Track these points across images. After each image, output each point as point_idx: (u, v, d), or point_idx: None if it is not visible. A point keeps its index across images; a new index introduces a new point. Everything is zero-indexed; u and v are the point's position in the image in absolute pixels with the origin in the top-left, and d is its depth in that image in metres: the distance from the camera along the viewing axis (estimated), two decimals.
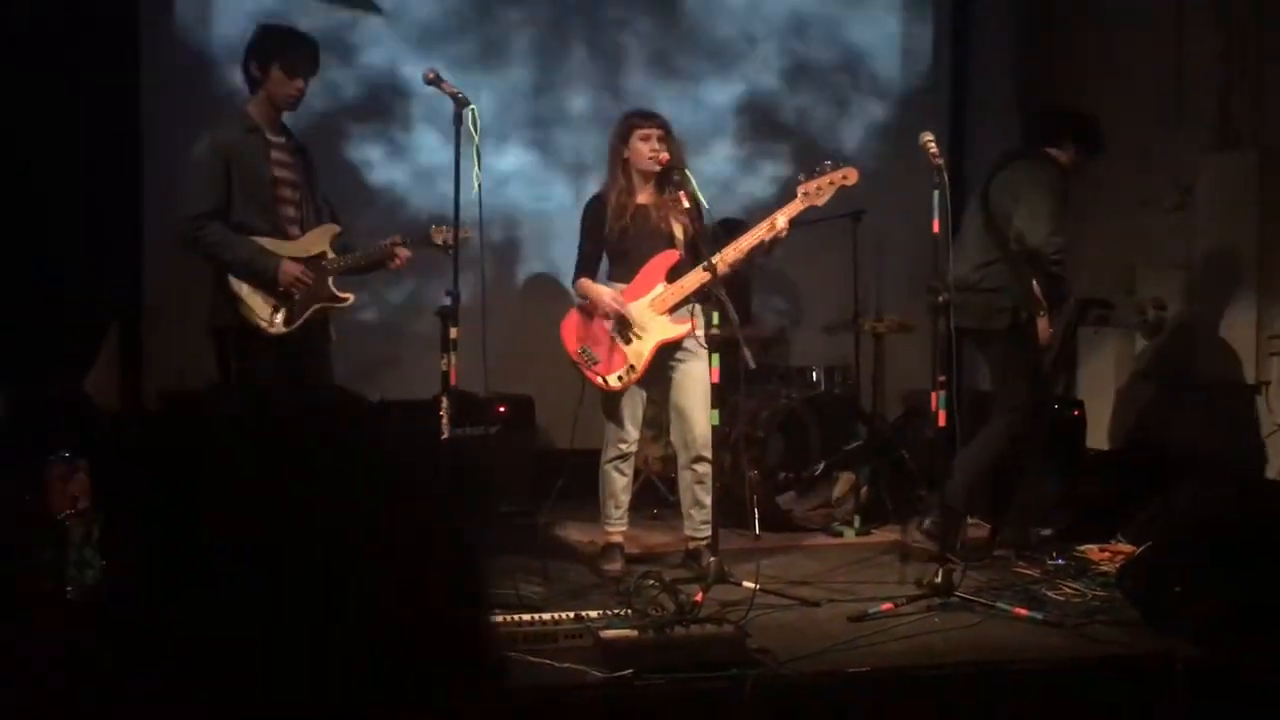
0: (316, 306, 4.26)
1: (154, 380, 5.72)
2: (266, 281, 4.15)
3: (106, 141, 5.69)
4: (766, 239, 4.41)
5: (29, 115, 5.26)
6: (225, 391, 3.88)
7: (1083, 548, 4.89)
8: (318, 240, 4.34)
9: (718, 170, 6.56)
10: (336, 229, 4.43)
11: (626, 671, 3.21)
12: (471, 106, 3.83)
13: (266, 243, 4.20)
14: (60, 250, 5.41)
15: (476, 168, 3.81)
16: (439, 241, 4.33)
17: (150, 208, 5.93)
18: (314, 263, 4.27)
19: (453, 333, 3.89)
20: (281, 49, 4.24)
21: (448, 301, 3.94)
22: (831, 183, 4.37)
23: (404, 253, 4.38)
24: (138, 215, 5.94)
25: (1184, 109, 5.94)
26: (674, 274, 4.53)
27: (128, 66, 5.86)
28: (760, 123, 6.77)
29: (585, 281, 4.60)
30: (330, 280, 4.28)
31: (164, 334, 5.89)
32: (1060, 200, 4.78)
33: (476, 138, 3.82)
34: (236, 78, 5.73)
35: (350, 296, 4.36)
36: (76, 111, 5.44)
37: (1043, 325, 4.85)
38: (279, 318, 4.17)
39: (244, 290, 4.13)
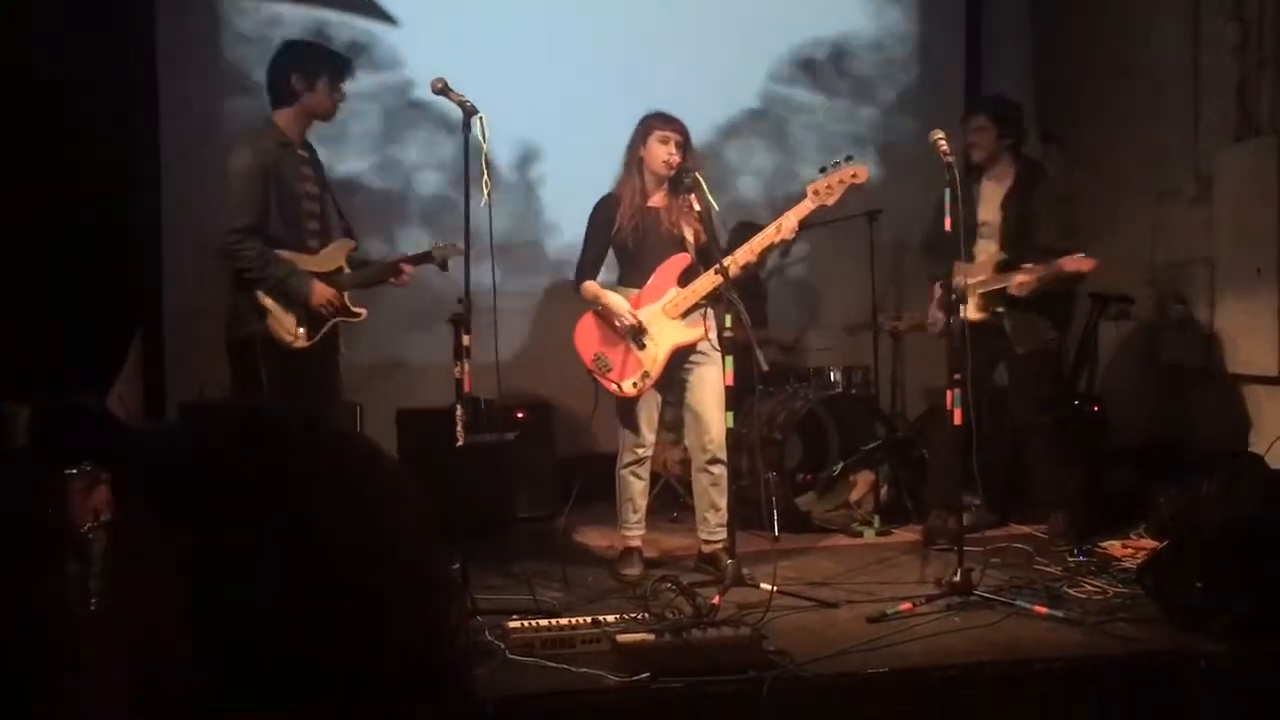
0: (334, 321, 4.32)
1: (175, 392, 5.77)
2: (297, 301, 4.22)
3: (125, 154, 5.74)
4: (777, 240, 4.41)
5: (48, 131, 5.31)
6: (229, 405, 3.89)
7: (1104, 543, 4.87)
8: (336, 255, 4.40)
9: (731, 167, 6.55)
10: (352, 244, 4.50)
11: (643, 675, 3.22)
12: (480, 115, 3.85)
13: (288, 256, 4.26)
14: (83, 264, 5.46)
15: (485, 175, 3.83)
16: (438, 259, 4.46)
17: (169, 222, 5.99)
18: (332, 278, 4.33)
19: (465, 340, 3.90)
20: (328, 62, 4.34)
21: (460, 309, 3.95)
22: (841, 181, 4.35)
23: (408, 269, 4.48)
24: (157, 229, 5.99)
25: (1201, 101, 5.89)
26: (685, 278, 4.53)
27: (145, 82, 5.92)
28: (775, 120, 6.76)
29: (593, 286, 4.61)
30: (345, 295, 4.34)
31: (185, 347, 5.94)
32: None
33: (485, 145, 3.84)
34: (250, 93, 5.83)
35: (364, 311, 4.41)
36: (95, 126, 5.49)
37: None
38: (302, 331, 4.24)
39: (270, 303, 4.19)
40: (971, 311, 4.89)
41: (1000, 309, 4.99)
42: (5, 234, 5.21)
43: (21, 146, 5.24)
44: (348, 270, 4.41)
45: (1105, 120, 6.53)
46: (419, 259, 4.50)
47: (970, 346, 4.44)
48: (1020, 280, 4.83)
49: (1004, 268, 4.96)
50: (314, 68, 4.30)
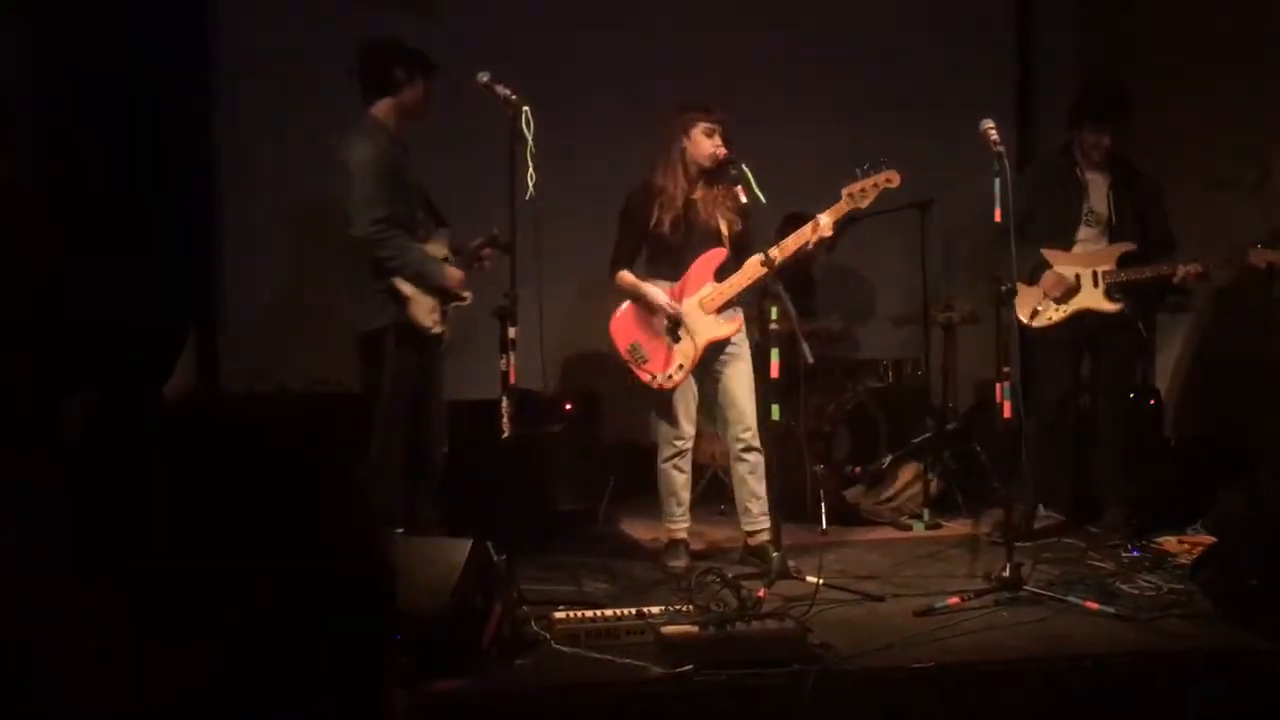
0: (449, 306, 4.43)
1: (229, 386, 5.86)
2: (433, 286, 4.32)
3: (182, 149, 5.82)
4: (813, 239, 4.42)
5: (106, 125, 5.40)
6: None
7: (1160, 539, 4.79)
8: (442, 244, 4.51)
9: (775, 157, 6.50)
10: (448, 230, 4.58)
11: (687, 667, 3.23)
12: (526, 109, 3.86)
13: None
14: (140, 259, 5.55)
15: (531, 169, 3.84)
16: (504, 242, 4.37)
17: (225, 218, 6.08)
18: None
19: (511, 332, 3.93)
20: (422, 59, 4.40)
21: (505, 302, 3.97)
22: (875, 185, 4.41)
23: (489, 252, 4.53)
24: (214, 223, 6.09)
25: (1262, 86, 5.76)
26: (721, 273, 4.54)
27: (199, 76, 6.01)
28: (824, 111, 6.71)
29: (630, 276, 4.61)
30: None
31: (238, 341, 6.04)
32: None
33: (530, 140, 3.85)
34: (304, 85, 5.89)
35: (469, 295, 4.48)
36: (152, 121, 5.57)
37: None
38: (436, 317, 4.36)
39: (410, 290, 4.28)
40: (1100, 301, 4.92)
41: (1122, 298, 4.96)
42: (65, 229, 5.32)
43: (79, 142, 5.34)
44: (451, 256, 4.51)
45: (1159, 105, 6.41)
46: (492, 242, 4.52)
47: (1097, 337, 4.72)
48: (1191, 271, 4.79)
49: (1130, 259, 4.92)
50: (412, 62, 4.38)
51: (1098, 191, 5.02)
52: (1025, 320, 5.05)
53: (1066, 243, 5.00)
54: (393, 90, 4.38)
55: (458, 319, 4.54)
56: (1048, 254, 4.98)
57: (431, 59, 4.47)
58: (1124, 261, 4.93)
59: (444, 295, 4.38)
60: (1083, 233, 5.02)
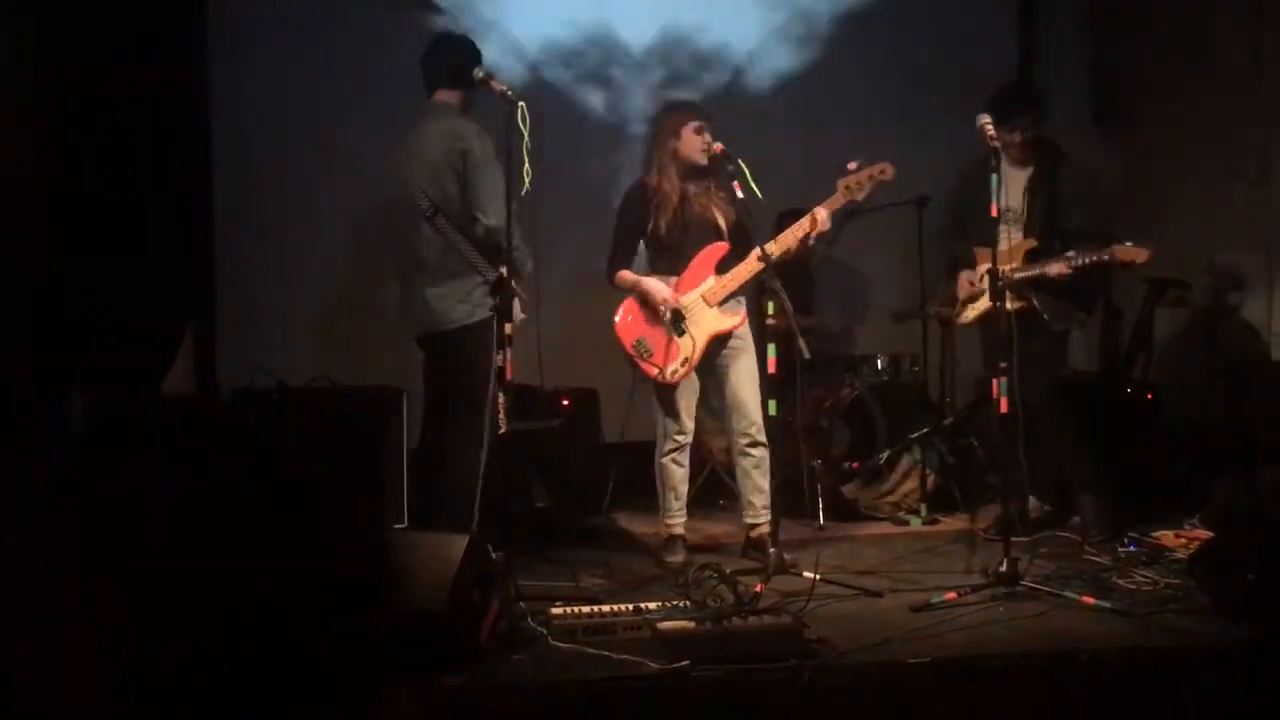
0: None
1: (226, 382, 5.86)
2: (522, 277, 4.26)
3: (177, 143, 5.82)
4: (813, 233, 4.44)
5: (103, 121, 5.40)
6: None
7: (1156, 533, 4.80)
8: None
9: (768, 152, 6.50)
10: None
11: (683, 663, 3.23)
12: (521, 104, 3.86)
13: None
14: (137, 255, 5.55)
15: (526, 165, 3.84)
16: None
17: (221, 213, 6.08)
18: None
19: (507, 328, 3.92)
20: (483, 67, 4.27)
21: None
22: (870, 177, 4.44)
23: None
24: (210, 221, 6.08)
25: (1262, 84, 5.76)
26: (723, 266, 4.55)
27: (198, 71, 6.00)
28: (819, 107, 6.71)
29: (628, 274, 4.62)
30: None
31: (236, 337, 6.04)
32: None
33: (526, 135, 3.85)
34: (305, 78, 5.89)
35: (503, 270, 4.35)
36: (150, 117, 5.57)
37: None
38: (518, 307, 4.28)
39: (516, 284, 4.14)
40: (1007, 300, 4.79)
41: (1029, 293, 4.90)
42: (62, 227, 5.32)
43: (77, 139, 5.34)
44: None
45: (1162, 103, 6.41)
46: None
47: (1018, 334, 4.48)
48: (1058, 270, 4.75)
49: (1035, 255, 4.88)
50: (481, 66, 4.25)
51: (1015, 186, 4.94)
52: (954, 319, 5.19)
53: (992, 239, 4.96)
54: (460, 85, 4.35)
55: None
56: (977, 251, 4.98)
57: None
58: (1028, 258, 4.87)
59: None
60: (1001, 230, 4.99)
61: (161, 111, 5.66)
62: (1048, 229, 4.94)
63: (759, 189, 4.37)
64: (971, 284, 5.05)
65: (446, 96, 4.42)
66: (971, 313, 5.07)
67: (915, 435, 5.63)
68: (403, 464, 4.94)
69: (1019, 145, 4.92)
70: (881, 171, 4.45)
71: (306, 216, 6.11)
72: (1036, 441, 4.74)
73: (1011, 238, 4.90)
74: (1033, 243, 4.91)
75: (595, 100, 6.47)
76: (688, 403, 4.61)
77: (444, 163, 4.30)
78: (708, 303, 4.54)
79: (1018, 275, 4.84)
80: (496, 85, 3.96)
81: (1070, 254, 4.74)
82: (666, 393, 4.59)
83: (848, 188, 4.44)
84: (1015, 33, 6.93)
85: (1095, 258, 4.68)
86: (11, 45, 5.03)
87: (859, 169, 4.44)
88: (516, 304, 4.21)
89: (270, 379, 4.86)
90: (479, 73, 4.02)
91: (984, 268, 4.86)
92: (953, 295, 5.19)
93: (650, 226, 4.58)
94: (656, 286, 4.56)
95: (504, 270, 4.07)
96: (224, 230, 6.09)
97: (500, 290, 3.95)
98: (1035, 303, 4.90)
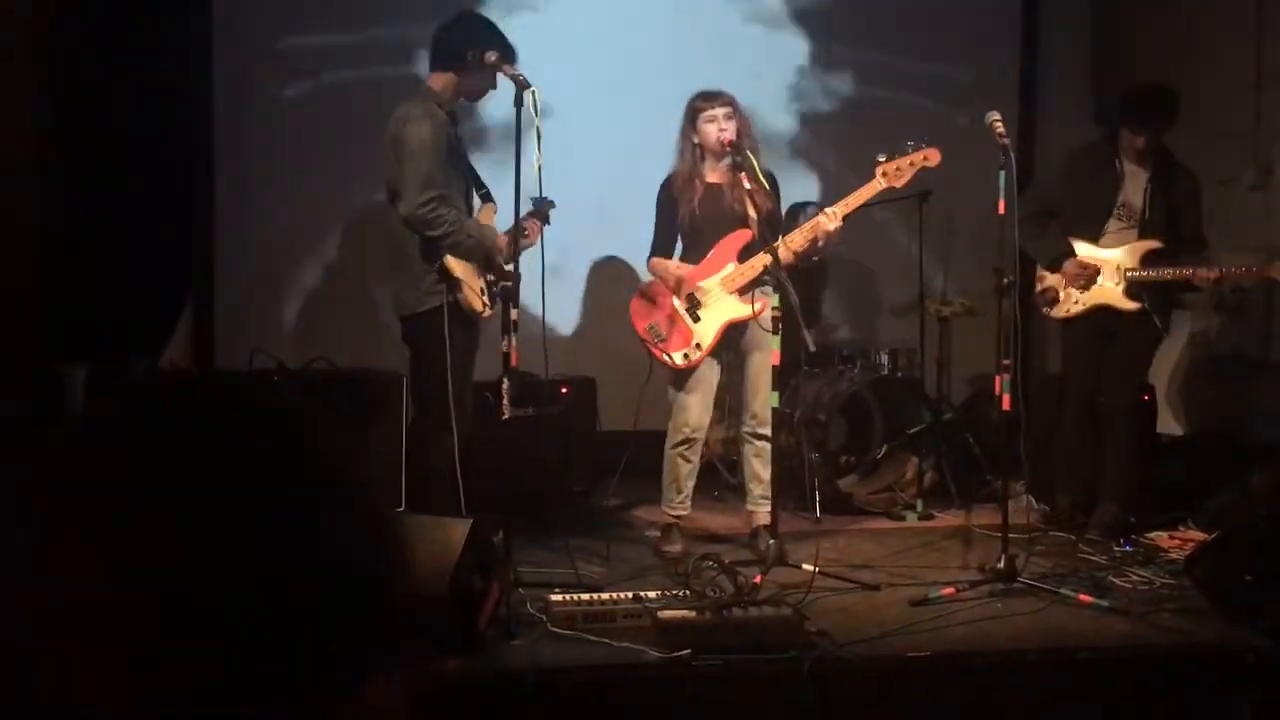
0: (496, 287, 4.23)
1: (224, 360, 5.84)
2: (487, 258, 4.14)
3: (178, 123, 5.79)
4: (832, 238, 4.41)
5: (106, 95, 5.37)
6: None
7: (1152, 534, 4.81)
8: (490, 218, 4.32)
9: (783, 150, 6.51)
10: (495, 207, 4.37)
11: (684, 652, 3.23)
12: (532, 89, 3.84)
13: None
14: (136, 231, 5.53)
15: (537, 150, 3.82)
16: (541, 214, 4.25)
17: (222, 194, 6.05)
18: None
19: (514, 314, 3.91)
20: (501, 43, 4.14)
21: (508, 283, 3.96)
22: (912, 164, 4.32)
23: (534, 226, 4.24)
24: (210, 199, 6.06)
25: (1263, 86, 5.77)
26: (746, 253, 4.52)
27: (199, 48, 5.97)
28: (824, 103, 6.71)
29: (659, 261, 4.63)
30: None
31: (234, 315, 6.02)
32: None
33: (538, 120, 3.83)
34: (302, 58, 5.87)
35: (518, 274, 4.13)
36: (151, 91, 5.54)
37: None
38: (485, 299, 4.16)
39: (462, 273, 4.06)
40: (1118, 298, 4.84)
41: (1144, 295, 4.85)
42: (63, 201, 5.29)
43: (78, 114, 5.31)
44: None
45: None
46: (531, 215, 4.29)
47: (1115, 332, 4.69)
48: (1203, 277, 4.68)
49: (1156, 257, 4.82)
50: (486, 46, 4.10)
51: (1135, 184, 4.91)
52: (1047, 311, 5.02)
53: (1094, 233, 4.92)
54: (452, 66, 4.16)
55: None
56: (1074, 243, 4.94)
57: (513, 49, 4.18)
58: (1148, 259, 4.83)
59: (492, 275, 4.20)
60: (1112, 225, 4.93)
61: (164, 82, 5.63)
62: (1167, 231, 4.88)
63: (766, 182, 4.35)
64: (1083, 269, 4.86)
65: (433, 78, 4.23)
66: (1078, 306, 4.94)
67: (913, 431, 5.64)
68: (401, 448, 4.93)
69: (1144, 146, 4.85)
70: (925, 158, 4.28)
71: (310, 196, 6.09)
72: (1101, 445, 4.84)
73: (1124, 236, 4.86)
74: (1157, 244, 4.83)
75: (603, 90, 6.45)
76: (703, 399, 4.58)
77: (390, 148, 4.13)
78: (726, 289, 4.52)
79: (1166, 274, 4.75)
80: (508, 71, 3.93)
81: (1221, 264, 4.68)
82: (680, 383, 4.57)
83: (886, 173, 4.29)
84: (1019, 29, 6.93)
85: (1244, 269, 4.64)
86: (16, 22, 5.00)
87: (901, 154, 4.28)
88: (470, 294, 4.05)
89: (269, 360, 4.84)
90: (490, 57, 3.97)
91: (1095, 260, 4.84)
92: (1052, 289, 4.99)
93: (680, 215, 4.57)
94: (670, 269, 4.56)
95: (447, 261, 3.96)
96: (223, 210, 6.06)
97: (509, 290, 3.88)
98: (1147, 305, 4.84)
